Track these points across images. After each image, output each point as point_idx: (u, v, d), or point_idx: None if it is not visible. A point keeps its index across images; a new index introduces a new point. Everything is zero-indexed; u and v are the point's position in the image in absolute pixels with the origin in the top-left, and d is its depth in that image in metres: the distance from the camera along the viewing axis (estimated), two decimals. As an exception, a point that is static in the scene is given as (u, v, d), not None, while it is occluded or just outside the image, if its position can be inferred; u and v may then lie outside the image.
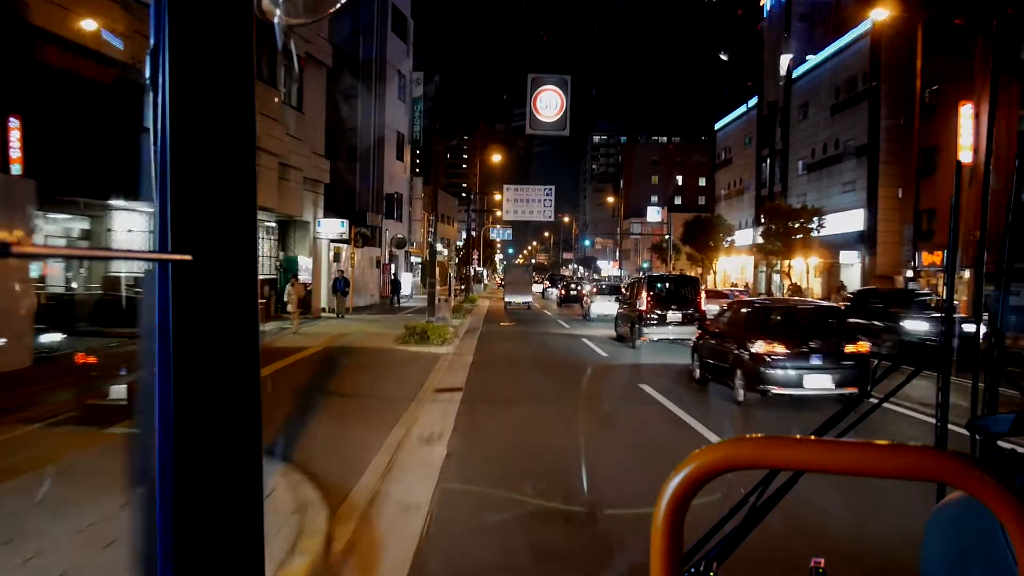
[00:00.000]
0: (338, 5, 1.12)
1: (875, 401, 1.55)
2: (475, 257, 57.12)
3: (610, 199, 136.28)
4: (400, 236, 34.57)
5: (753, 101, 54.59)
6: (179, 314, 0.91)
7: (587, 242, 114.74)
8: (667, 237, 62.53)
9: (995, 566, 0.97)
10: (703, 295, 20.01)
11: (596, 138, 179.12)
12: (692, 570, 1.09)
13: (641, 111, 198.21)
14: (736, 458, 0.71)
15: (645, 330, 18.01)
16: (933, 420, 5.10)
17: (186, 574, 0.92)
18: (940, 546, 1.09)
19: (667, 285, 19.35)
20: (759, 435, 0.73)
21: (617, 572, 4.46)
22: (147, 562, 0.92)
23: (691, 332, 16.20)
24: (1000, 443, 1.30)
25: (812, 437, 0.74)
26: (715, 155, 64.22)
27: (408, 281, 46.64)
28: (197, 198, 0.92)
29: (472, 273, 58.49)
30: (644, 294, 18.39)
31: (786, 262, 41.81)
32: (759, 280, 52.25)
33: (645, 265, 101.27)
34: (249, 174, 0.96)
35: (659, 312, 18.17)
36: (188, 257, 0.90)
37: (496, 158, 56.14)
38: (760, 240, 50.63)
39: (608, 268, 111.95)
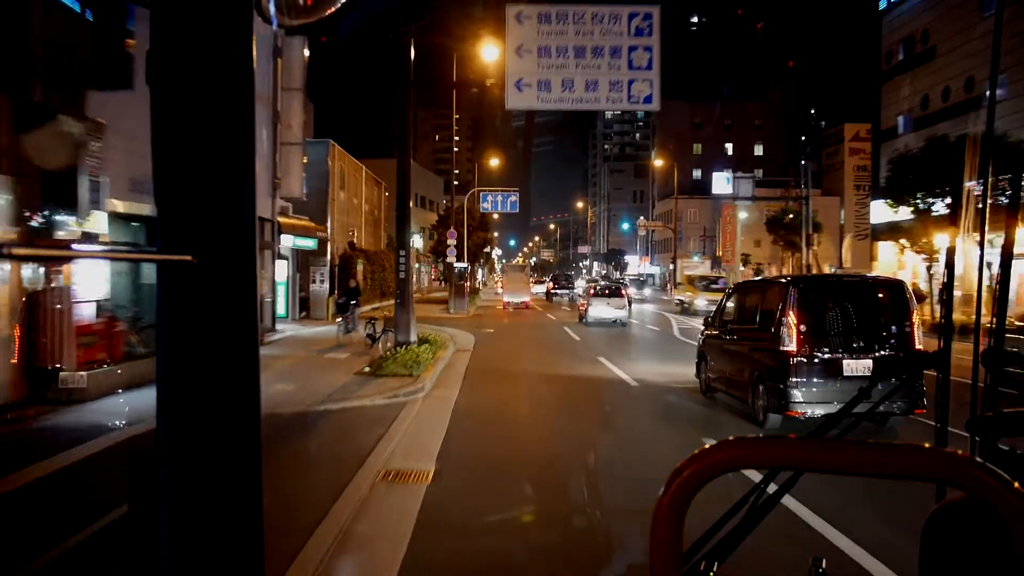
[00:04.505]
0: (338, 5, 1.10)
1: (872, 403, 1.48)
2: (451, 241, 29.15)
3: (635, 180, 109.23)
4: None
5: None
6: (179, 313, 0.92)
7: (625, 226, 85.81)
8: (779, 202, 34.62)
9: (995, 566, 0.95)
10: (915, 318, 8.37)
11: (608, 113, 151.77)
12: (692, 569, 1.07)
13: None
14: (736, 458, 0.72)
15: (796, 395, 7.99)
16: None
17: (185, 565, 0.92)
18: (939, 546, 1.07)
19: (838, 298, 8.58)
20: (759, 435, 0.73)
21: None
22: (149, 561, 0.93)
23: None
24: (1000, 443, 1.28)
25: (812, 438, 0.73)
26: (882, 58, 36.07)
27: (290, 295, 19.44)
28: (196, 199, 0.92)
29: (456, 272, 30.60)
30: (790, 315, 8.19)
31: None
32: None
33: (695, 258, 73.90)
34: (248, 175, 0.95)
35: (825, 355, 8.09)
36: (188, 257, 0.91)
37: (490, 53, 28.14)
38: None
39: (638, 265, 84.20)
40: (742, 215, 59.99)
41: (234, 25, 0.93)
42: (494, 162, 55.10)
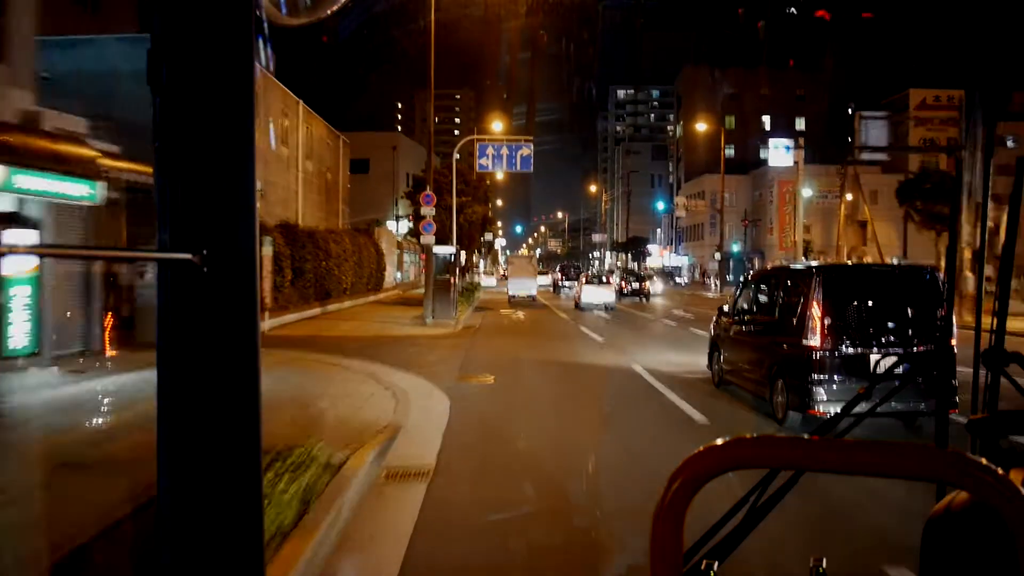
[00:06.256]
0: (338, 4, 1.10)
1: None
2: (427, 210, 17.62)
3: (652, 162, 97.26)
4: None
5: None
6: (179, 312, 0.92)
7: (660, 205, 73.48)
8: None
9: (996, 567, 0.93)
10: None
11: (620, 92, 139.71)
12: (692, 569, 1.05)
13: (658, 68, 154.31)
14: (736, 458, 0.72)
15: (819, 393, 7.51)
16: None
17: (184, 570, 0.91)
18: (939, 547, 1.06)
19: (865, 288, 8.15)
20: (759, 435, 0.73)
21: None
22: (148, 557, 1.17)
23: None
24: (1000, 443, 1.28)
25: (812, 437, 0.75)
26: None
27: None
28: (197, 198, 0.92)
29: (439, 261, 19.03)
30: (814, 307, 7.72)
31: None
32: None
33: (735, 248, 62.48)
34: (248, 174, 0.95)
35: (851, 350, 7.68)
36: (188, 256, 0.91)
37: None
38: None
39: (660, 256, 72.68)
40: (807, 192, 48.23)
41: (234, 25, 0.93)
42: (497, 126, 43.74)
